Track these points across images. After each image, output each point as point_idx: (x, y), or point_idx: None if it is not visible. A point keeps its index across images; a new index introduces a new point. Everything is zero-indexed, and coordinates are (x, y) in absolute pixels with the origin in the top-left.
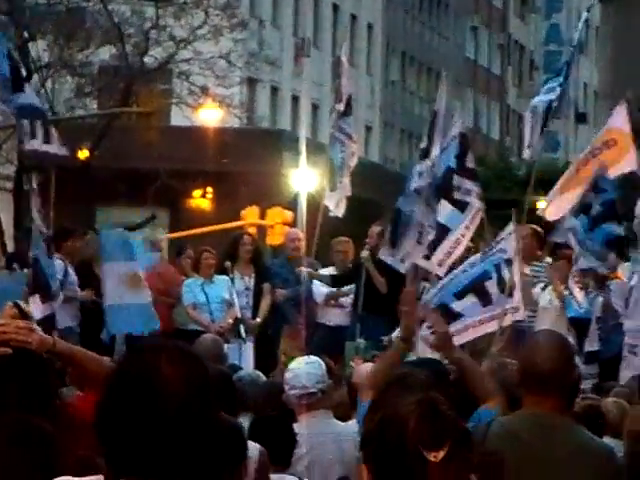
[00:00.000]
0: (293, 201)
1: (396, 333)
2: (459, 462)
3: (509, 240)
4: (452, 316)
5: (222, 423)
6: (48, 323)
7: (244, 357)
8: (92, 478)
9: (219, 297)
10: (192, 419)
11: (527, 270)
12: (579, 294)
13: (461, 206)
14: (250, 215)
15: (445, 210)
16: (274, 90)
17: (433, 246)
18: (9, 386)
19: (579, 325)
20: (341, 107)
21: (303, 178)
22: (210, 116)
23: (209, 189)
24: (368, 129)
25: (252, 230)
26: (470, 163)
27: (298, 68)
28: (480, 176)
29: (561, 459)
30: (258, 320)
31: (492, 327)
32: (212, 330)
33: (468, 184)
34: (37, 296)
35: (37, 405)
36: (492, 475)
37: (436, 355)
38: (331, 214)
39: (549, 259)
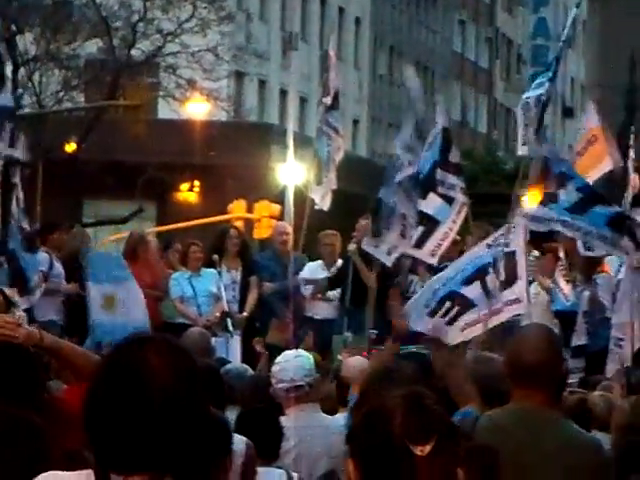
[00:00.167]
0: (280, 195)
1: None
2: (446, 456)
3: (515, 233)
4: (465, 305)
5: (209, 416)
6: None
7: (231, 351)
8: (81, 472)
9: (206, 291)
10: (180, 411)
11: None
12: (566, 287)
13: (447, 200)
14: (237, 208)
15: (434, 203)
16: (262, 83)
17: (424, 237)
18: None
19: (566, 318)
20: (328, 101)
21: (290, 172)
22: (197, 109)
23: (196, 182)
24: (356, 123)
25: (239, 224)
26: (454, 158)
27: (286, 61)
28: (468, 170)
29: (549, 453)
30: (245, 314)
31: (494, 322)
32: (199, 323)
33: (452, 179)
34: (15, 290)
35: (25, 398)
36: (487, 469)
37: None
38: (317, 207)
39: (536, 252)
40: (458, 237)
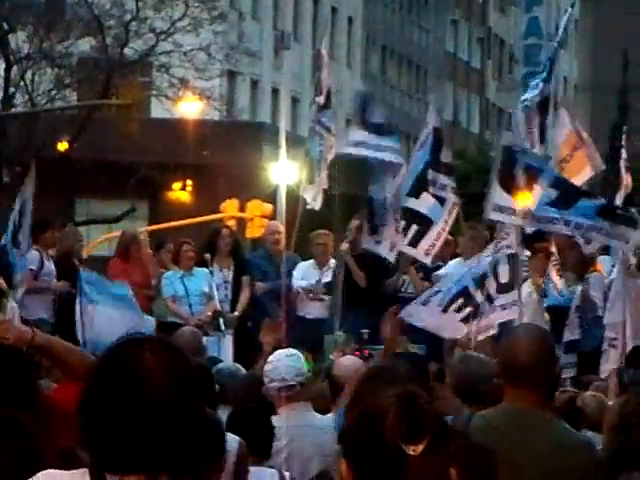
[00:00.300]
0: (272, 194)
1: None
2: (438, 455)
3: (514, 234)
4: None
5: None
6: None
7: (223, 350)
8: (77, 471)
9: (198, 290)
10: (176, 410)
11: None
12: (559, 282)
13: (440, 200)
14: (229, 208)
15: (428, 202)
16: (254, 83)
17: (418, 237)
18: None
19: (559, 313)
20: (321, 100)
21: (283, 171)
22: (190, 109)
23: (189, 182)
24: (348, 122)
25: (231, 223)
26: (445, 157)
27: (278, 61)
28: (460, 170)
29: (542, 453)
30: (237, 313)
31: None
32: (191, 323)
33: (443, 179)
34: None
35: (16, 398)
36: (484, 469)
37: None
38: (308, 207)
39: (527, 252)
40: (450, 237)
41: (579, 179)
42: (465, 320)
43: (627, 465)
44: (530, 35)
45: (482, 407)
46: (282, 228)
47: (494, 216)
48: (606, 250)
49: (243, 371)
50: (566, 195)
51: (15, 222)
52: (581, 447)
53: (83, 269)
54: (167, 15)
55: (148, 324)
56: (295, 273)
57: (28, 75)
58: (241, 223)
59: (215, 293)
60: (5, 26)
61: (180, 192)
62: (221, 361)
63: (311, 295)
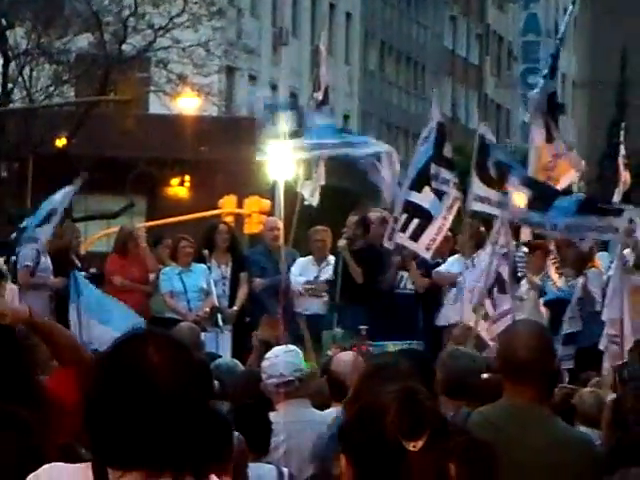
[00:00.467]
0: (271, 190)
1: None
2: (438, 451)
3: (506, 233)
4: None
5: (211, 411)
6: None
7: (221, 346)
8: (81, 465)
9: (196, 286)
10: (180, 406)
11: None
12: (558, 279)
13: (439, 195)
14: (228, 204)
15: (429, 197)
16: (252, 79)
17: (419, 231)
18: None
19: (556, 307)
20: (319, 96)
21: (281, 167)
22: (188, 104)
23: (187, 177)
24: (346, 118)
25: (229, 219)
26: (447, 152)
27: (276, 57)
28: (459, 166)
29: (540, 449)
30: (235, 308)
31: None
32: (189, 319)
33: (445, 173)
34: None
35: (15, 394)
36: (484, 464)
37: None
38: (306, 203)
39: (525, 249)
40: (449, 233)
41: (565, 182)
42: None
43: (625, 461)
44: (528, 32)
45: (471, 402)
46: (281, 224)
47: (475, 206)
48: (604, 246)
49: (241, 367)
50: (542, 196)
51: (47, 214)
52: (579, 443)
53: (78, 274)
54: (165, 11)
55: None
56: (293, 269)
57: (26, 71)
58: (239, 219)
59: (213, 289)
60: (3, 22)
61: (178, 188)
62: (219, 357)
63: (310, 291)
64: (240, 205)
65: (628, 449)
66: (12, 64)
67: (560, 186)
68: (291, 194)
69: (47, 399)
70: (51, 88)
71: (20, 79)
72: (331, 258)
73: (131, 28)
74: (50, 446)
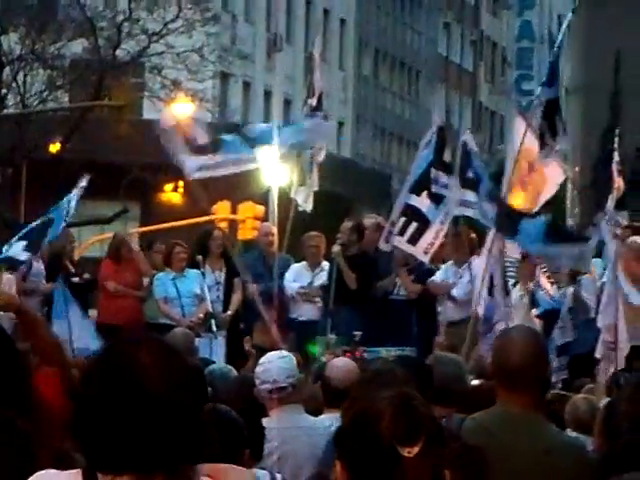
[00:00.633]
0: (264, 196)
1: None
2: (433, 457)
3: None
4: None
5: (223, 414)
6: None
7: (215, 351)
8: (73, 472)
9: (190, 292)
10: (171, 409)
11: None
12: (550, 288)
13: (437, 199)
14: (221, 210)
15: (426, 202)
16: (246, 85)
17: (417, 235)
18: None
19: (549, 316)
20: (313, 102)
21: (274, 173)
22: (182, 110)
23: (180, 183)
24: (340, 124)
25: (223, 225)
26: (447, 157)
27: (270, 63)
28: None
29: (534, 456)
30: (229, 313)
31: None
32: (183, 324)
33: (444, 178)
34: None
35: (11, 400)
36: (475, 470)
37: None
38: (300, 209)
39: (516, 255)
40: (444, 239)
41: (542, 200)
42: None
43: (618, 468)
44: (522, 38)
45: (456, 408)
46: (275, 230)
47: (459, 211)
48: (598, 253)
49: (235, 373)
50: (507, 216)
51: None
52: (573, 450)
53: (63, 288)
54: (160, 17)
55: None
56: (287, 275)
57: (20, 76)
58: (233, 225)
59: (207, 295)
60: None
61: (172, 193)
62: (213, 362)
63: (303, 296)
64: (234, 211)
65: (621, 456)
66: (6, 69)
67: (539, 200)
68: (285, 200)
69: (41, 404)
70: (45, 93)
71: (14, 84)
72: (325, 264)
73: (125, 33)
74: (44, 452)
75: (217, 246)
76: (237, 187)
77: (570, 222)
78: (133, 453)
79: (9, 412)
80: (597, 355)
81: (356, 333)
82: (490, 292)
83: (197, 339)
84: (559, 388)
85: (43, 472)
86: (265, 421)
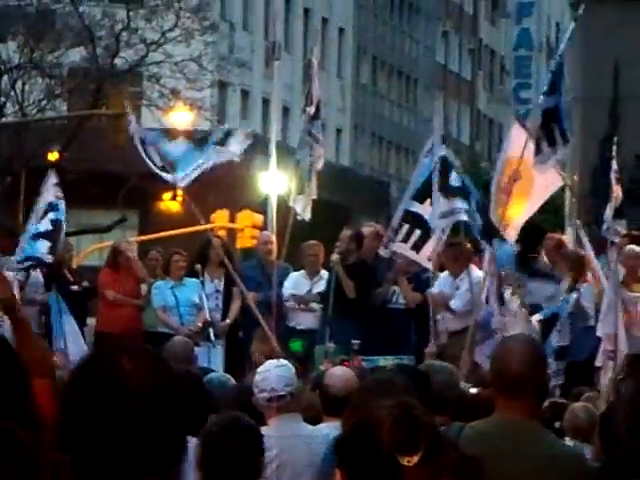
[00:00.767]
0: (263, 204)
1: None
2: (433, 467)
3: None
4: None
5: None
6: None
7: (213, 360)
8: None
9: (189, 300)
10: (155, 415)
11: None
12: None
13: None
14: (220, 218)
15: (428, 210)
16: (245, 93)
17: (421, 242)
18: None
19: (549, 319)
20: (311, 111)
21: (273, 181)
22: (181, 119)
23: (179, 192)
24: (339, 132)
25: (222, 233)
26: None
27: (269, 71)
28: None
29: (533, 465)
30: (228, 321)
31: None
32: (181, 333)
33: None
34: None
35: (11, 410)
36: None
37: None
38: (299, 218)
39: None
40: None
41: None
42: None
43: (617, 476)
44: (521, 46)
45: (450, 416)
46: (274, 238)
47: (439, 223)
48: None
49: (233, 381)
50: (491, 228)
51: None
52: (572, 458)
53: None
54: (158, 25)
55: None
56: (286, 283)
57: (18, 85)
58: (232, 234)
59: (205, 303)
60: None
61: (170, 202)
62: (211, 371)
63: (302, 305)
64: (232, 219)
65: (620, 463)
66: (4, 78)
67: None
68: (284, 208)
69: (41, 415)
70: (43, 102)
71: (12, 93)
72: (324, 272)
73: (123, 42)
74: (44, 462)
75: (216, 254)
76: (236, 195)
77: (569, 230)
78: (118, 459)
79: (9, 423)
80: (597, 364)
81: (354, 342)
82: (487, 300)
83: (195, 348)
84: (558, 396)
85: None
86: (263, 430)
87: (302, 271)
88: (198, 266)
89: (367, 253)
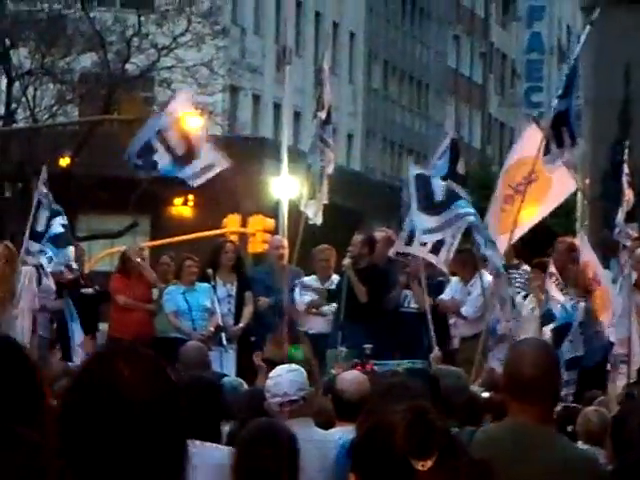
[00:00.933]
0: (274, 208)
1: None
2: (447, 471)
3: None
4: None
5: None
6: None
7: (225, 364)
8: None
9: (201, 305)
10: (153, 417)
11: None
12: (560, 297)
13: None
14: (231, 223)
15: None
16: (256, 98)
17: (439, 245)
18: None
19: (560, 329)
20: (323, 115)
21: (284, 186)
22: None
23: (190, 197)
24: (350, 137)
25: (234, 238)
26: (460, 169)
27: (280, 76)
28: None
29: (545, 470)
30: (241, 325)
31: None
32: (194, 338)
33: (458, 190)
34: None
35: (24, 413)
36: None
37: None
38: (310, 222)
39: (526, 267)
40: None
41: (554, 198)
42: None
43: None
44: (532, 50)
45: (458, 420)
46: (286, 243)
47: (424, 238)
48: (606, 264)
49: (245, 386)
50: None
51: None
52: (585, 462)
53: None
54: (169, 30)
55: None
56: (297, 288)
57: (30, 91)
58: (243, 238)
59: (217, 308)
60: (7, 42)
61: (182, 207)
62: (224, 376)
63: (314, 310)
64: (244, 224)
65: (633, 467)
66: (16, 84)
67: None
68: (295, 213)
69: (51, 420)
70: (55, 107)
71: (24, 99)
72: (335, 277)
73: (135, 47)
74: (52, 468)
75: (228, 259)
76: (247, 200)
77: (580, 233)
78: (118, 466)
79: (22, 427)
80: (609, 368)
81: (366, 346)
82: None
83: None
84: (570, 401)
85: None
86: None
87: (314, 276)
88: (210, 271)
89: (379, 258)
